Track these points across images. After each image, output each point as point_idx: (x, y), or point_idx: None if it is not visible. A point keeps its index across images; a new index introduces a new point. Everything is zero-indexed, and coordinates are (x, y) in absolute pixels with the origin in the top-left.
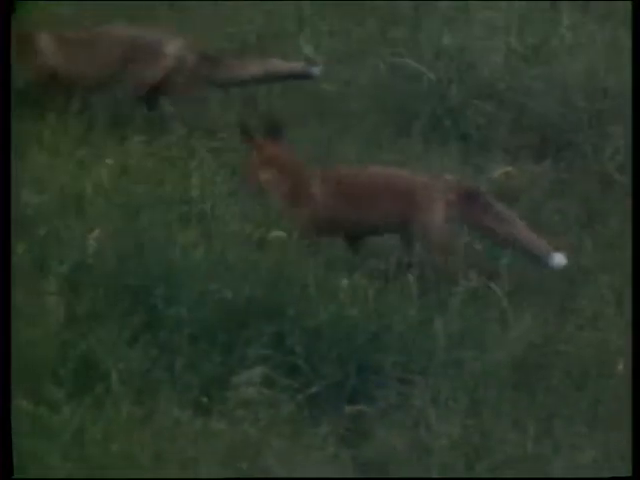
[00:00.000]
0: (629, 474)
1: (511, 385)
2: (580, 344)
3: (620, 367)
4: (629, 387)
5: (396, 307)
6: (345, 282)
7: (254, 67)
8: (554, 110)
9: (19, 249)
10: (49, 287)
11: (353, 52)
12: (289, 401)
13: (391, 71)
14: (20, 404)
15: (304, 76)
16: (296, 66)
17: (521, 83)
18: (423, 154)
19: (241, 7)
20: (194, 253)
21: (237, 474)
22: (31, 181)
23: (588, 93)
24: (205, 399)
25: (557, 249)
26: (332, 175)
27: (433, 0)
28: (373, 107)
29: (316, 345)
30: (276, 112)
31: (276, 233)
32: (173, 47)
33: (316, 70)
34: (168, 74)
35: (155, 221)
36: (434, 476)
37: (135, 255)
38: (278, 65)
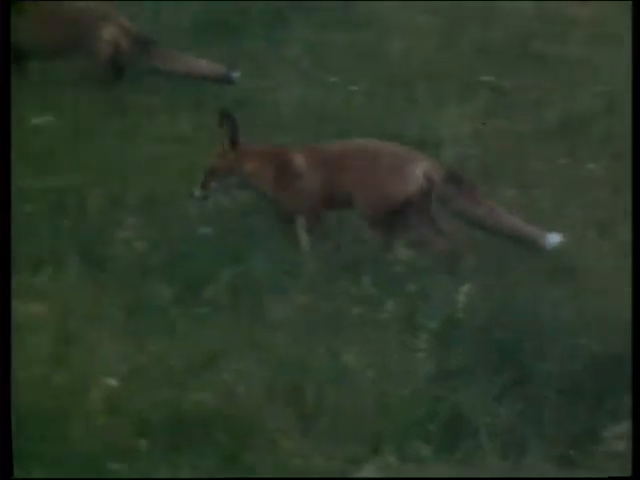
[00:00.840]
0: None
1: None
2: None
3: None
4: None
5: None
6: None
7: (179, 63)
8: None
9: None
10: (419, 343)
11: None
12: None
13: None
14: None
15: (225, 80)
16: (218, 69)
17: None
18: None
19: None
20: (563, 308)
21: None
22: None
23: None
24: (572, 452)
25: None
26: (316, 150)
27: None
28: None
29: None
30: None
31: None
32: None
33: (236, 75)
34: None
35: (522, 276)
36: None
37: (504, 310)
38: (201, 66)
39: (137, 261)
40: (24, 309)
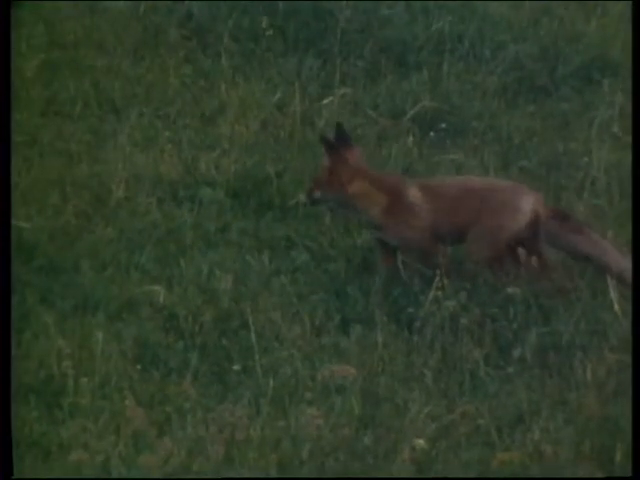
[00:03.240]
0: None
1: None
2: None
3: None
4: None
5: None
6: None
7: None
8: None
9: None
10: None
11: None
12: None
13: None
14: None
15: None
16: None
17: None
18: None
19: None
20: None
21: None
22: None
23: None
24: None
25: None
26: (430, 185)
27: None
28: None
29: None
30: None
31: None
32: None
33: None
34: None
35: None
36: None
37: None
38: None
39: (447, 322)
40: (331, 370)
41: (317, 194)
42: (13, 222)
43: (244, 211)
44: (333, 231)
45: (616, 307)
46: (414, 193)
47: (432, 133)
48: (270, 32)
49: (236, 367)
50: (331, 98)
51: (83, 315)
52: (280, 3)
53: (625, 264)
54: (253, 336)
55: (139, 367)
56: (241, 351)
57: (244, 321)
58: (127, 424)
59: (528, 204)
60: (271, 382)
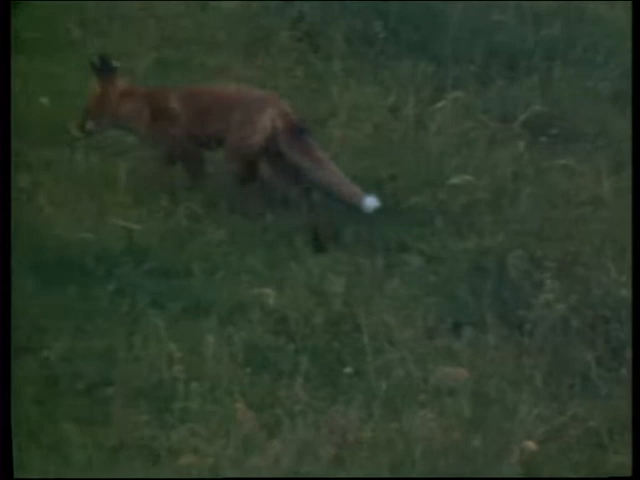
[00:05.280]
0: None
1: None
2: None
3: None
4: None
5: None
6: None
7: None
8: None
9: None
10: None
11: None
12: None
13: None
14: None
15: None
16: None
17: None
18: None
19: None
20: None
21: None
22: None
23: None
24: None
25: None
26: (189, 93)
27: None
28: None
29: None
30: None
31: None
32: None
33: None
34: None
35: None
36: None
37: None
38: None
39: (558, 324)
40: (444, 372)
41: (90, 125)
42: (123, 223)
43: (356, 214)
44: (444, 234)
45: None
46: (174, 102)
47: (543, 138)
48: (383, 35)
49: (348, 370)
50: (444, 102)
51: (194, 318)
52: (392, 5)
53: (348, 191)
54: (365, 338)
55: (249, 370)
56: (353, 354)
57: (356, 324)
58: (237, 427)
59: (268, 117)
60: (383, 384)
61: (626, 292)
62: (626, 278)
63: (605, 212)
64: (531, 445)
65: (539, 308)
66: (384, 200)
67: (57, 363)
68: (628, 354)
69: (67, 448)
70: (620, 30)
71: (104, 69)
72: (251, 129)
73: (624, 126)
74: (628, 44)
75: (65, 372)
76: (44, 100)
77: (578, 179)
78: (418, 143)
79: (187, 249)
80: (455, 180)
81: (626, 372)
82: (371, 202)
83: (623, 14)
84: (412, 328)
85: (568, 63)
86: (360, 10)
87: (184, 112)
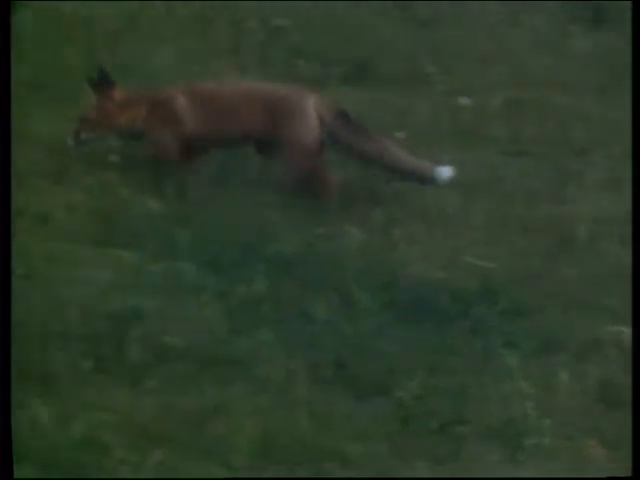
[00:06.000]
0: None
1: None
2: None
3: None
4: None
5: None
6: None
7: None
8: None
9: None
10: None
11: None
12: None
13: None
14: None
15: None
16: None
17: None
18: None
19: None
20: None
21: None
22: None
23: None
24: None
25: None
26: (193, 91)
27: None
28: None
29: None
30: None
31: None
32: None
33: (446, 172)
34: None
35: None
36: None
37: None
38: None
39: None
40: None
41: (84, 135)
42: (478, 262)
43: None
44: None
45: None
46: (179, 100)
47: None
48: None
49: None
50: None
51: (546, 356)
52: None
53: (418, 163)
54: None
55: (603, 407)
56: None
57: None
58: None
59: (312, 109)
60: None
61: None
62: None
63: None
64: None
65: None
66: None
67: (411, 402)
68: None
69: None
70: None
71: (101, 82)
72: (304, 123)
73: None
74: None
75: (418, 411)
76: None
77: None
78: None
79: (541, 288)
80: None
81: None
82: (446, 172)
83: None
84: None
85: None
86: None
87: (193, 112)
